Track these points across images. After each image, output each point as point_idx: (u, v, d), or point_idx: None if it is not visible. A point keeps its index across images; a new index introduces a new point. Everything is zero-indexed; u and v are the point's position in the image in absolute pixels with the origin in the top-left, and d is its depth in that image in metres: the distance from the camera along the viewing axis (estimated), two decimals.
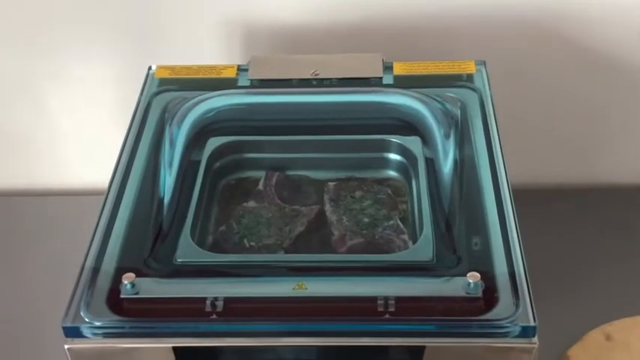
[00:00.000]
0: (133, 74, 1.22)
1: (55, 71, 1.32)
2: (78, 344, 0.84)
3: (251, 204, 1.03)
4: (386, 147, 1.10)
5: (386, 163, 1.10)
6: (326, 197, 1.04)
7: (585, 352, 1.15)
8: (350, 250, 0.96)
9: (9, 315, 1.24)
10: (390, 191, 1.05)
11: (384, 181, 1.09)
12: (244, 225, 1.00)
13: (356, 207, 1.02)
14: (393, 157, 1.10)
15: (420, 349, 0.82)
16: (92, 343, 0.84)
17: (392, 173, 1.10)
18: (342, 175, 1.09)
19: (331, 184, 1.06)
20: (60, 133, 1.40)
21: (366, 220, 1.01)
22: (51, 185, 1.45)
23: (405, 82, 1.16)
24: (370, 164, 1.10)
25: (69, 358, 0.84)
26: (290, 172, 1.10)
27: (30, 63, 1.31)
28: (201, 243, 0.97)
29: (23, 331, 1.21)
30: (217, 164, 1.09)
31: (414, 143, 1.08)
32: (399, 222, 1.00)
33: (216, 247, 0.98)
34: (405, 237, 0.98)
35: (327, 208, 1.02)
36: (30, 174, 1.45)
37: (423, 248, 0.91)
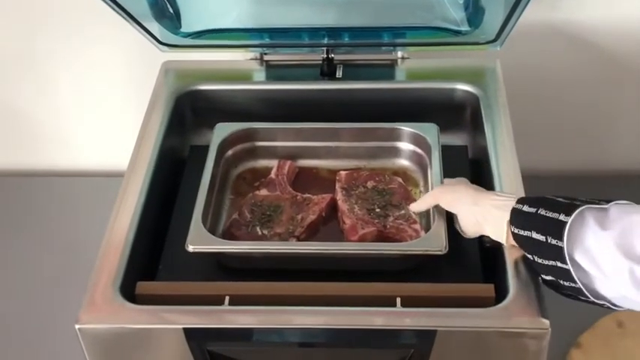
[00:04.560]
0: (142, 54, 1.22)
1: (61, 52, 1.31)
2: (88, 324, 0.84)
3: (263, 192, 1.03)
4: (398, 136, 1.08)
5: (398, 153, 1.09)
6: (338, 186, 1.03)
7: (597, 339, 1.15)
8: (361, 239, 0.96)
9: (17, 295, 1.25)
10: (401, 181, 1.05)
11: (397, 171, 1.08)
12: (257, 213, 1.00)
13: (368, 196, 1.02)
14: (406, 146, 1.09)
15: (432, 334, 0.82)
16: (102, 324, 0.84)
17: (405, 162, 1.09)
18: (354, 164, 1.09)
19: (343, 173, 1.05)
20: (65, 113, 1.40)
21: (377, 209, 1.00)
22: (56, 166, 1.45)
23: (418, 74, 1.17)
24: (382, 153, 1.09)
25: (80, 337, 0.84)
26: (302, 161, 1.09)
27: (36, 43, 1.31)
28: (212, 230, 0.97)
29: (34, 313, 1.22)
30: (229, 152, 1.08)
31: (429, 130, 1.06)
32: (411, 212, 0.99)
33: (228, 235, 0.98)
34: (417, 226, 0.97)
35: (339, 197, 1.02)
36: (35, 154, 1.45)
37: (435, 238, 0.91)
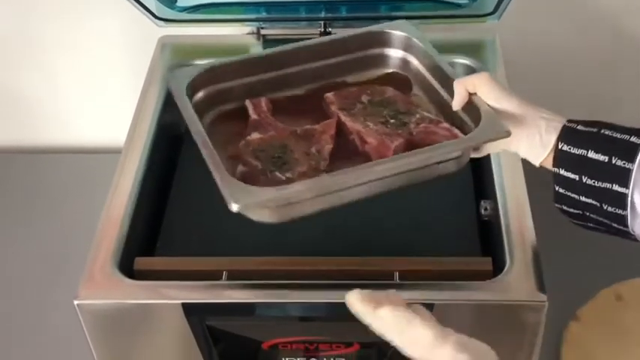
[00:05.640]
0: (138, 29, 1.22)
1: (57, 29, 1.31)
2: (87, 300, 0.84)
3: (255, 136, 0.89)
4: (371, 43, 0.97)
5: (379, 61, 0.98)
6: (334, 108, 0.92)
7: (596, 312, 1.15)
8: (396, 151, 0.85)
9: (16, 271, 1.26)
10: (392, 89, 0.95)
11: (384, 79, 0.97)
12: (264, 158, 0.86)
13: (371, 112, 0.92)
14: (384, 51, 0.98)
15: (429, 307, 0.82)
16: (101, 299, 0.85)
17: (387, 70, 0.98)
18: (331, 82, 0.96)
19: (330, 94, 0.93)
20: (62, 90, 1.39)
21: (391, 120, 0.90)
22: (54, 143, 1.45)
23: None
24: (356, 66, 0.97)
25: (79, 313, 0.85)
26: (273, 94, 0.95)
27: (31, 21, 1.30)
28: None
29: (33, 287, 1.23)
30: (195, 99, 0.93)
31: (403, 27, 0.97)
32: (426, 113, 0.90)
33: None
34: (445, 125, 0.88)
35: (344, 118, 0.90)
36: (32, 132, 1.45)
37: (491, 122, 0.82)
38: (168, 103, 1.09)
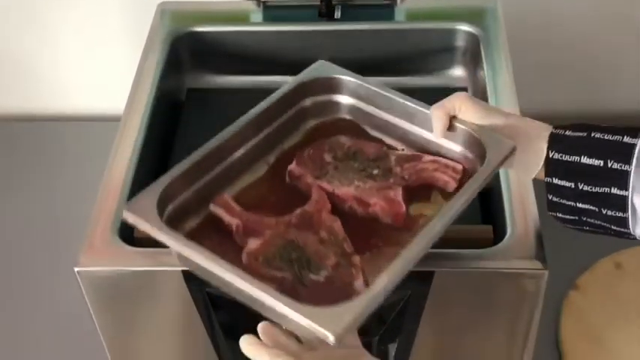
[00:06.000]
0: (140, 0, 1.21)
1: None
2: (87, 267, 0.84)
3: (254, 244, 0.75)
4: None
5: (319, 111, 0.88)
6: (310, 181, 0.81)
7: (595, 281, 1.15)
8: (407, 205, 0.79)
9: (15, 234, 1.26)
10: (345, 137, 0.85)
11: (326, 128, 0.87)
12: (285, 266, 0.74)
13: (344, 169, 0.82)
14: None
15: (429, 275, 0.82)
16: (101, 266, 0.85)
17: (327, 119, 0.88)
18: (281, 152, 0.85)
19: (294, 167, 0.82)
20: (62, 57, 1.39)
21: (374, 171, 0.82)
22: (54, 110, 1.44)
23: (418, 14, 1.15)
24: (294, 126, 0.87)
25: (79, 281, 0.85)
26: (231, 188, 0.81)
27: None
28: None
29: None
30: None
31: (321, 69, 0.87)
32: (398, 151, 0.84)
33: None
34: (429, 157, 0.81)
35: (329, 187, 0.80)
36: (32, 98, 1.44)
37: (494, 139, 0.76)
38: (168, 69, 1.08)
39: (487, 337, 0.89)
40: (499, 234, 0.86)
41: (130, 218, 0.72)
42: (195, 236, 0.75)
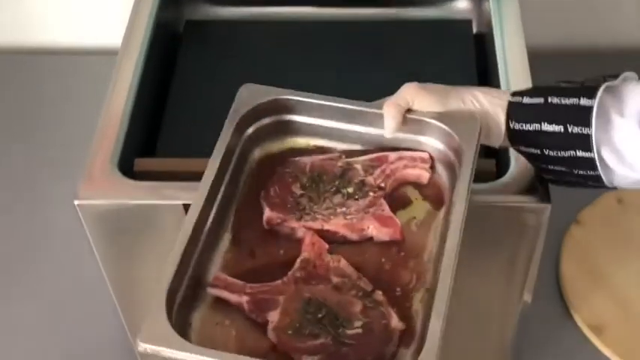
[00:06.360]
0: None
1: None
2: (87, 200, 0.84)
3: (275, 316, 0.71)
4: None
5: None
6: (297, 225, 0.76)
7: (597, 215, 1.15)
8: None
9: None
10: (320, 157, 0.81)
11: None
12: (319, 329, 0.70)
13: (317, 195, 0.78)
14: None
15: None
16: (101, 199, 0.84)
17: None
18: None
19: (270, 213, 0.76)
20: None
21: (350, 190, 0.78)
22: (51, 44, 1.43)
23: None
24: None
25: (79, 214, 0.84)
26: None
27: None
28: None
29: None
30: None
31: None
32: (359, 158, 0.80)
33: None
34: (393, 155, 0.80)
35: (316, 225, 0.76)
36: (34, 34, 1.43)
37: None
38: (166, 1, 1.06)
39: (488, 272, 0.90)
40: (502, 168, 0.86)
41: (149, 350, 0.64)
42: (207, 326, 0.70)
